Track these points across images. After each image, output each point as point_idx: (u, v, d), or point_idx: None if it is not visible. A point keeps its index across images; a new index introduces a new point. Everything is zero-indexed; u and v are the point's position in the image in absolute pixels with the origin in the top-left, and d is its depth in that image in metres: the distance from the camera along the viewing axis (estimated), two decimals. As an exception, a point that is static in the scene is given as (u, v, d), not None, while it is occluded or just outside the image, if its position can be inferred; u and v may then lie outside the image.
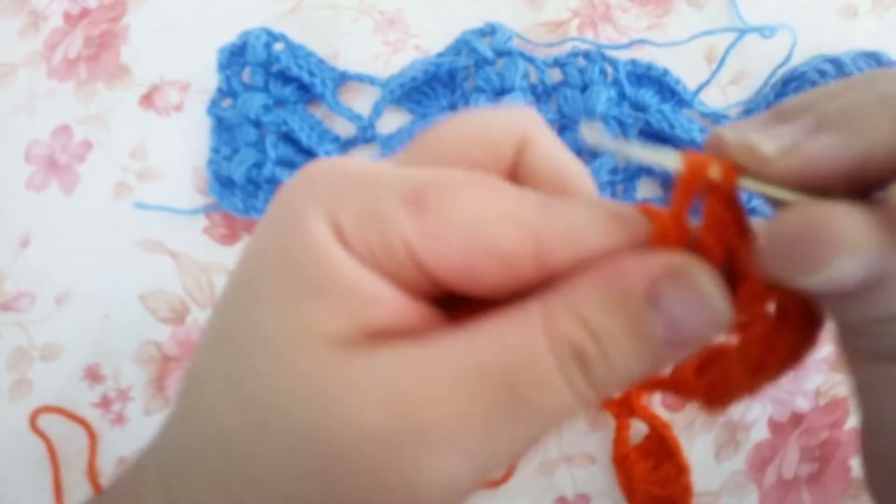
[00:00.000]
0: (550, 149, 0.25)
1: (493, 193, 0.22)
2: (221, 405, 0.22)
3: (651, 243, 0.22)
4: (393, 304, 0.22)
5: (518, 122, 0.25)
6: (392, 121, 0.58)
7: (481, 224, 0.21)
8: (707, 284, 0.21)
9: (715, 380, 0.25)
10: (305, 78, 0.57)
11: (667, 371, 0.27)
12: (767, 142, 0.21)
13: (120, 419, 0.55)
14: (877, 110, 0.20)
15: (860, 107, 0.21)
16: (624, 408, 0.50)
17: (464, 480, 0.21)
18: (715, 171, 0.21)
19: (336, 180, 0.22)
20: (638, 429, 0.50)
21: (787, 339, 0.23)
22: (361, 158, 0.25)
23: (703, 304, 0.21)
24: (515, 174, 0.25)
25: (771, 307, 0.23)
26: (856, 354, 0.22)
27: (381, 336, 0.22)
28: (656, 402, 0.51)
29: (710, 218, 0.22)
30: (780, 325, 0.23)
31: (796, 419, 0.51)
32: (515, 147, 0.24)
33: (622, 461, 0.50)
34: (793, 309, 0.23)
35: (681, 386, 0.27)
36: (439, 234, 0.21)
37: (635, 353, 0.21)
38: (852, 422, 0.50)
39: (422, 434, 0.20)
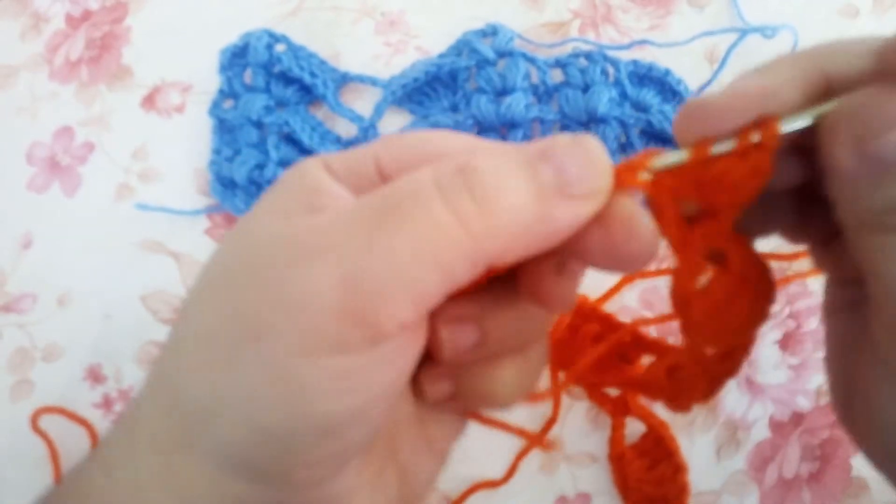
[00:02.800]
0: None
1: (440, 132, 0.28)
2: (197, 306, 0.26)
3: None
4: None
5: (459, 142, 0.28)
6: (393, 121, 0.58)
7: (426, 137, 0.28)
8: (590, 141, 0.24)
9: (683, 380, 0.28)
10: (307, 79, 0.57)
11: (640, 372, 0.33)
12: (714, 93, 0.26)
13: (121, 420, 0.55)
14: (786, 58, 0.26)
15: (775, 59, 0.26)
16: (620, 406, 0.50)
17: (334, 290, 0.22)
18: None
19: (330, 153, 0.28)
20: (637, 428, 0.50)
21: (744, 296, 0.26)
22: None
23: (585, 150, 0.24)
24: None
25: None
26: (866, 232, 0.24)
27: None
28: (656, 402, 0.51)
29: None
30: (735, 281, 0.26)
31: (797, 418, 0.51)
32: None
33: (618, 460, 0.49)
34: (743, 262, 0.26)
35: (652, 386, 0.30)
36: (396, 148, 0.27)
37: (520, 181, 0.23)
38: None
39: (301, 245, 0.23)
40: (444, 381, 0.29)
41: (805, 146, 0.25)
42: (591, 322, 0.49)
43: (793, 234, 0.31)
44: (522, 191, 0.23)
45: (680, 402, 0.29)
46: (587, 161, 0.24)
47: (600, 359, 0.42)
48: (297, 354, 0.22)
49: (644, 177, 0.25)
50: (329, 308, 0.22)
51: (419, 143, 0.28)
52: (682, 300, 0.26)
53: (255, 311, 0.23)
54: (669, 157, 0.25)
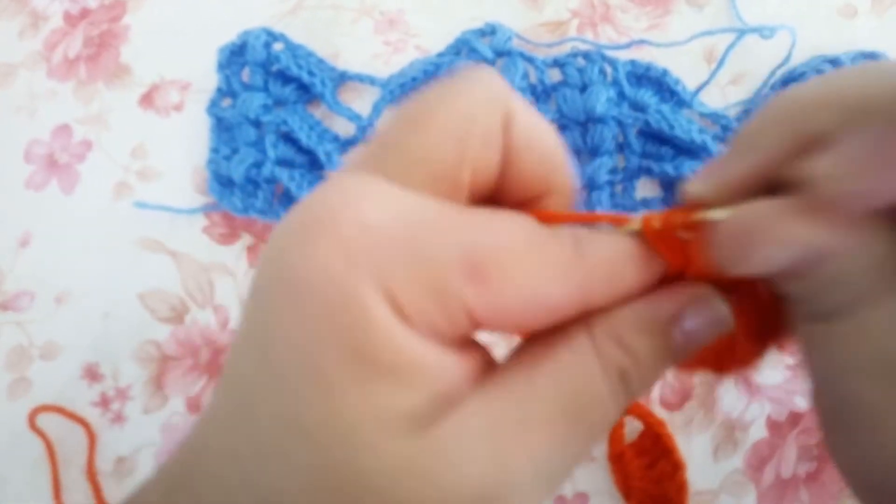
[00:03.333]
0: (531, 127, 0.25)
1: (541, 254, 0.23)
2: (305, 497, 0.22)
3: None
4: (454, 369, 0.23)
5: (498, 100, 0.24)
6: (392, 121, 0.58)
7: (537, 290, 0.23)
8: (719, 305, 0.25)
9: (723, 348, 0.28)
10: (305, 78, 0.57)
11: None
12: (695, 183, 0.25)
13: (119, 418, 0.55)
14: (766, 126, 0.25)
15: (754, 125, 0.25)
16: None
17: None
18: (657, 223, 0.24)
19: (378, 243, 0.21)
20: (633, 426, 0.50)
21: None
22: (369, 181, 0.23)
23: (716, 320, 0.25)
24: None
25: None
26: (796, 315, 0.26)
27: (449, 400, 0.22)
28: (654, 401, 0.51)
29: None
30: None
31: (794, 418, 0.51)
32: (503, 131, 0.24)
33: (618, 459, 0.49)
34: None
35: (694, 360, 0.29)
36: (500, 303, 0.22)
37: (663, 364, 0.25)
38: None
39: (514, 482, 0.22)
40: None
41: None
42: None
43: None
44: (662, 370, 0.25)
45: (726, 368, 0.29)
46: (713, 323, 0.25)
47: None
48: None
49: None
50: None
51: (528, 301, 0.23)
52: None
53: None
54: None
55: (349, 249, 0.21)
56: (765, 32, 0.55)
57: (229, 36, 0.58)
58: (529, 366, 0.24)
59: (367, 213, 0.22)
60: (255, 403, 0.22)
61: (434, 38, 0.59)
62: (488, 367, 0.24)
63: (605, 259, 0.24)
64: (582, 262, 0.23)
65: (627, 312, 0.24)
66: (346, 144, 0.58)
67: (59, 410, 0.54)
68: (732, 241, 0.23)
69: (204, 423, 0.24)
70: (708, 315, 0.25)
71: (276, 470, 0.22)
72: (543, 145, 0.25)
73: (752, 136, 0.25)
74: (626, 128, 0.54)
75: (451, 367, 0.22)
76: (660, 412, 0.50)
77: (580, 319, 0.24)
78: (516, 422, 0.22)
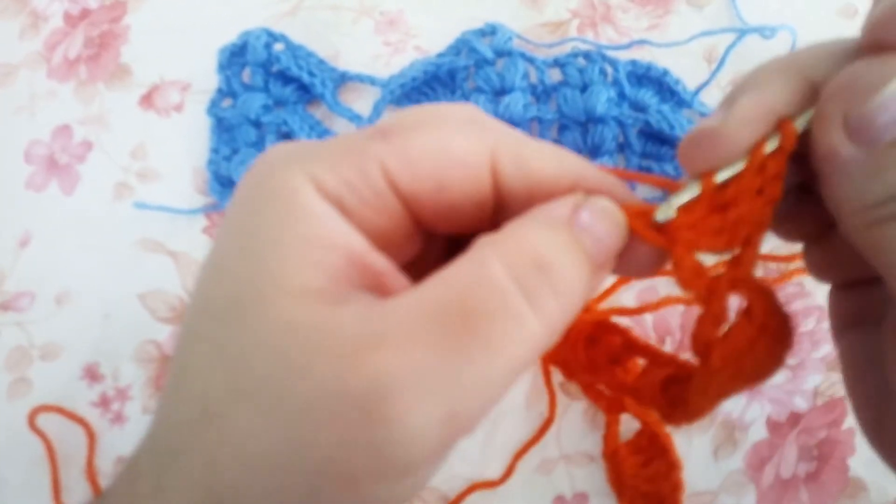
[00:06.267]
0: (521, 161, 0.26)
1: (451, 120, 0.25)
2: (205, 372, 0.23)
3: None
4: (361, 253, 0.23)
5: (480, 144, 0.25)
6: (392, 121, 0.58)
7: (444, 137, 0.25)
8: (611, 206, 0.25)
9: (679, 395, 0.29)
10: (305, 78, 0.57)
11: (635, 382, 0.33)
12: (711, 119, 0.25)
13: (119, 418, 0.55)
14: (771, 71, 0.25)
15: (758, 72, 0.26)
16: (614, 403, 0.49)
17: (435, 430, 0.21)
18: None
19: (307, 145, 0.25)
20: (631, 425, 0.50)
21: (763, 345, 0.27)
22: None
23: (610, 217, 0.25)
24: (499, 198, 0.26)
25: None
26: (865, 226, 0.24)
27: (350, 288, 0.23)
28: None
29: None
30: (756, 331, 0.26)
31: (794, 419, 0.51)
32: (490, 171, 0.26)
33: (612, 457, 0.49)
34: (765, 313, 0.26)
35: (645, 395, 0.31)
36: (410, 151, 0.24)
37: (578, 263, 0.24)
38: (850, 421, 0.50)
39: (388, 386, 0.21)
40: None
41: (798, 153, 0.25)
42: (584, 321, 0.49)
43: (785, 230, 0.30)
44: (579, 272, 0.24)
45: (675, 417, 0.29)
46: (615, 228, 0.25)
47: (591, 360, 0.42)
48: (388, 484, 0.22)
49: (664, 215, 0.25)
50: (429, 448, 0.22)
51: (434, 147, 0.24)
52: (703, 347, 0.27)
53: (343, 455, 0.21)
54: (679, 199, 0.25)
55: (288, 156, 0.24)
56: (765, 32, 0.55)
57: (229, 36, 0.58)
58: (432, 276, 0.23)
59: (302, 141, 0.26)
60: (194, 290, 0.25)
61: (434, 39, 0.59)
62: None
63: (520, 142, 0.26)
64: (495, 135, 0.25)
65: (526, 216, 0.25)
66: (346, 145, 0.58)
67: (59, 410, 0.54)
68: (841, 97, 0.23)
69: None
70: (601, 211, 0.25)
71: (185, 346, 0.24)
72: (543, 179, 0.26)
73: (758, 80, 0.25)
74: (627, 128, 0.54)
75: (356, 248, 0.23)
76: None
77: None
78: (397, 325, 0.22)
